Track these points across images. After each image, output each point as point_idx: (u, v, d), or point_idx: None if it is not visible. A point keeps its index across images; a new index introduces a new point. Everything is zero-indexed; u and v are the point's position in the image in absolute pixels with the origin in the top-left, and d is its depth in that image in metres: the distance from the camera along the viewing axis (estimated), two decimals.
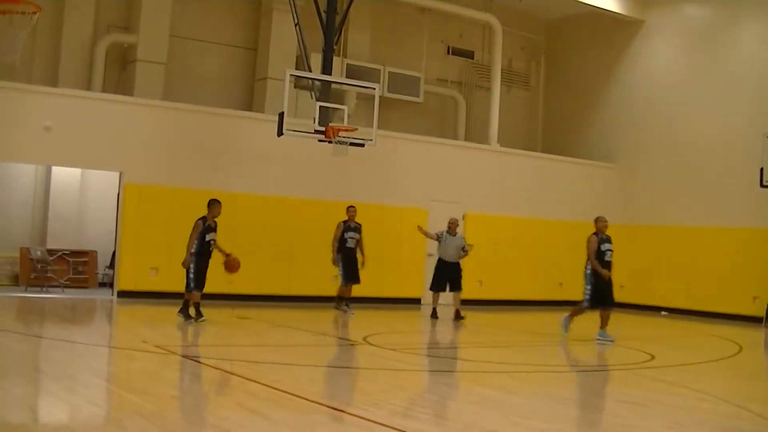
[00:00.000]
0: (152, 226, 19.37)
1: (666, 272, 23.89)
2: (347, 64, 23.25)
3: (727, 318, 21.64)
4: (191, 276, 15.55)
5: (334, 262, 18.93)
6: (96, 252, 21.68)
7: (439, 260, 19.27)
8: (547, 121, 28.80)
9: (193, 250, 15.41)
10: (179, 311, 15.79)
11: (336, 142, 18.71)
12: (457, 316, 18.96)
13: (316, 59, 20.34)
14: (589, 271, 15.55)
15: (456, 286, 19.23)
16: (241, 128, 20.67)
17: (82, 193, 22.24)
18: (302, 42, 19.95)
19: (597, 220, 15.92)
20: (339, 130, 18.69)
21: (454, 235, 19.24)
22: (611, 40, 27.00)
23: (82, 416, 7.67)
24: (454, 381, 11.84)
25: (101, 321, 17.37)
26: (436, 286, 19.37)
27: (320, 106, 18.82)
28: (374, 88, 19.79)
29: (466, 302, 22.50)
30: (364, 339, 14.40)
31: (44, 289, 19.85)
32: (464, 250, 19.16)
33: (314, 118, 18.65)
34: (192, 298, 15.65)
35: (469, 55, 27.12)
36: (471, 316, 20.58)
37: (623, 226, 25.08)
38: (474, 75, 27.11)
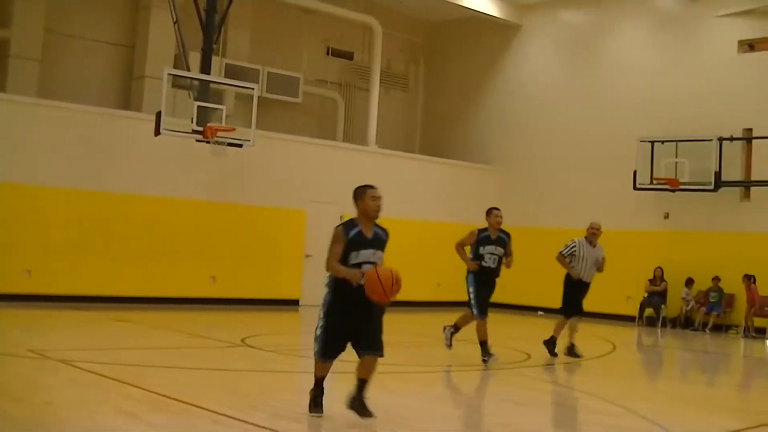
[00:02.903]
0: (25, 227, 18.88)
1: (542, 273, 24.28)
2: (226, 63, 23.07)
3: (603, 317, 22.13)
4: None
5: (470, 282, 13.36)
6: None
7: (568, 276, 14.59)
8: (426, 123, 29.09)
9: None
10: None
11: (214, 143, 18.68)
12: (573, 353, 14.44)
13: (195, 58, 20.19)
14: None
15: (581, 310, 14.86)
16: (118, 127, 20.31)
17: None
18: (181, 40, 19.80)
19: None
20: (217, 130, 18.66)
21: (594, 246, 14.57)
22: (490, 43, 27.47)
23: None
24: (334, 382, 11.88)
25: None
26: (571, 311, 14.56)
27: (198, 106, 18.74)
28: (253, 89, 19.78)
29: None
30: (243, 341, 14.36)
31: None
32: (599, 265, 14.60)
33: (192, 118, 18.55)
34: None
35: (348, 56, 27.22)
36: None
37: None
38: (353, 76, 27.22)
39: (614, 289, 22.64)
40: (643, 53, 24.17)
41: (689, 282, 22.13)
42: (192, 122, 18.57)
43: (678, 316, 22.37)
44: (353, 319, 8.20)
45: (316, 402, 8.42)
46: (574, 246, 14.38)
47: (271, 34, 25.18)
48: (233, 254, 21.33)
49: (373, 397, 9.53)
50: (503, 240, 13.25)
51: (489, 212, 13.41)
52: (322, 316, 8.38)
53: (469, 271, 13.19)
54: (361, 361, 8.25)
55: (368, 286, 8.01)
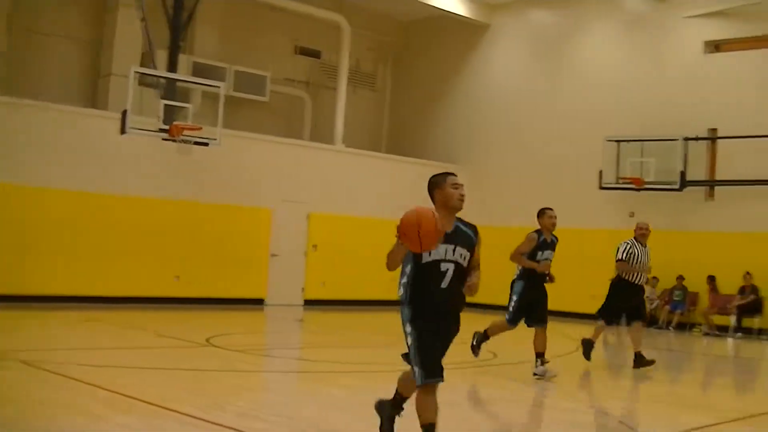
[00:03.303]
0: None
1: (509, 272, 24.35)
2: (194, 62, 22.96)
3: (567, 316, 22.17)
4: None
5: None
6: None
7: (620, 281, 13.82)
8: (393, 122, 29.10)
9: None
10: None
11: (180, 141, 18.58)
12: (642, 362, 13.44)
13: (162, 56, 20.09)
14: None
15: (639, 315, 13.92)
16: (83, 125, 20.12)
17: None
18: (148, 38, 19.70)
19: None
20: (183, 128, 18.57)
21: (645, 246, 13.75)
22: (458, 43, 27.53)
23: None
24: (300, 381, 11.89)
25: None
26: (612, 316, 13.92)
27: (165, 104, 18.66)
28: (219, 87, 19.72)
29: (309, 303, 22.66)
30: (208, 340, 14.31)
31: None
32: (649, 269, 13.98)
33: (159, 116, 18.47)
34: None
35: (316, 55, 27.15)
36: (315, 317, 20.68)
37: None
38: (321, 75, 27.16)
39: (579, 288, 22.75)
40: (611, 53, 24.33)
41: (653, 281, 22.27)
42: (159, 120, 18.48)
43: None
44: (440, 333, 6.76)
45: (391, 420, 7.42)
46: (631, 247, 13.52)
47: (239, 32, 25.09)
48: (199, 253, 21.25)
49: (338, 396, 9.53)
50: (555, 244, 12.34)
51: (542, 213, 12.30)
52: (409, 331, 6.76)
53: (519, 279, 12.34)
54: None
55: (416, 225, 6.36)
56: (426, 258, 6.59)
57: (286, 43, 26.51)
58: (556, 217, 12.24)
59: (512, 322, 12.32)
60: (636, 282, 13.58)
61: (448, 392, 11.14)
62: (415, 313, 6.69)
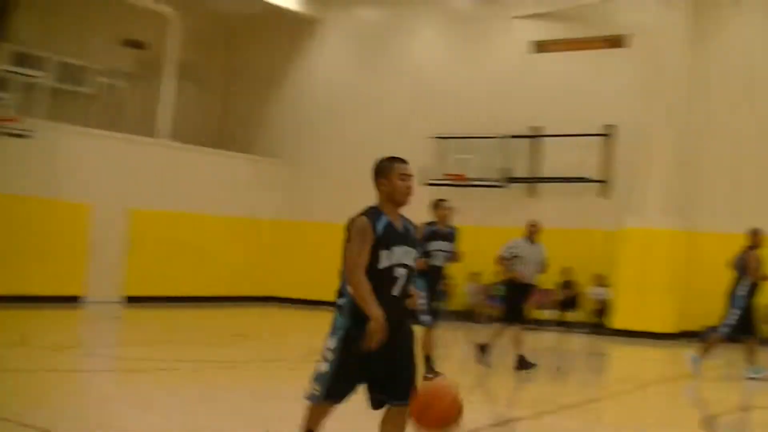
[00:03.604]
0: None
1: (329, 268, 24.42)
2: (13, 50, 22.14)
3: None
4: None
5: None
6: None
7: (511, 281, 13.70)
8: (222, 117, 28.77)
9: None
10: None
11: None
12: (525, 364, 13.45)
13: None
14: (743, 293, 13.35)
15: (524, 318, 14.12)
16: None
17: None
18: None
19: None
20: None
21: (537, 244, 13.70)
22: (288, 37, 27.44)
23: None
24: (113, 379, 11.68)
25: None
26: (513, 317, 13.68)
27: None
28: (39, 77, 19.22)
29: (130, 300, 22.28)
30: (20, 339, 13.91)
31: None
32: (542, 265, 13.79)
33: None
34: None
35: (143, 46, 26.59)
36: (134, 314, 20.39)
37: (286, 221, 25.63)
38: (148, 67, 26.61)
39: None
40: (438, 51, 24.81)
41: (474, 276, 22.68)
42: None
43: (465, 310, 22.91)
44: (379, 355, 5.76)
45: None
46: (515, 247, 13.44)
47: (63, 21, 24.27)
48: (14, 248, 20.46)
49: (160, 394, 9.41)
50: (451, 234, 12.29)
51: (436, 204, 12.38)
52: (333, 346, 5.87)
53: (418, 276, 11.96)
54: (388, 418, 5.96)
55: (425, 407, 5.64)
56: (384, 262, 5.85)
57: (113, 34, 25.81)
58: (449, 209, 12.29)
59: (432, 321, 12.01)
60: (524, 281, 13.47)
61: (277, 388, 11.13)
62: (353, 325, 5.80)
